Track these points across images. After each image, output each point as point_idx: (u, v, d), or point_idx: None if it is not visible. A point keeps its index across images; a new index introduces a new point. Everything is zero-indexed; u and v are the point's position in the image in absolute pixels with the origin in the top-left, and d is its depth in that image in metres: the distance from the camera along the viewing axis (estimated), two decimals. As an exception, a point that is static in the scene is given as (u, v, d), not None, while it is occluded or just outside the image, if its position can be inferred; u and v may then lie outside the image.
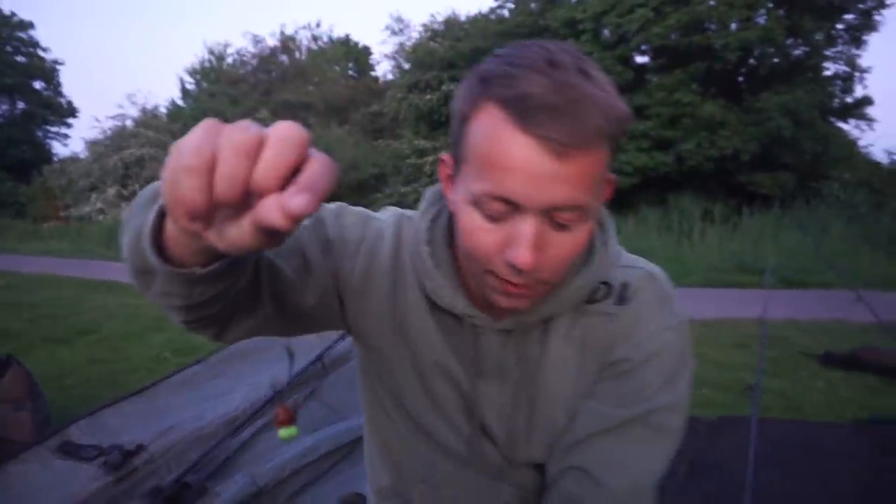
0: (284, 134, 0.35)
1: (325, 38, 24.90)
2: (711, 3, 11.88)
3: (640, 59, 13.54)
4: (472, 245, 0.62)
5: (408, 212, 0.79)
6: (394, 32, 20.90)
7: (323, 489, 1.93)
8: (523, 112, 0.54)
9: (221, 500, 1.67)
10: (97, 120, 35.97)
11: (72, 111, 27.86)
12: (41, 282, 8.04)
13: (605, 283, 0.73)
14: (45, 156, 25.28)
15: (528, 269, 0.58)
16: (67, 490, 1.60)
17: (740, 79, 13.47)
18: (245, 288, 0.57)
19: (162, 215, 0.45)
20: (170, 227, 0.44)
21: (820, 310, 5.35)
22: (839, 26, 13.03)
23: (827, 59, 13.28)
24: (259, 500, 1.77)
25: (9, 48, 25.53)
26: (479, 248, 0.61)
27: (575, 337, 0.73)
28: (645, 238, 9.62)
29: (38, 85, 26.74)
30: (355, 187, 16.05)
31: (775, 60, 12.67)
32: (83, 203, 18.52)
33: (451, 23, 16.91)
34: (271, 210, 0.34)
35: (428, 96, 14.83)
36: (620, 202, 12.00)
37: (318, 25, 33.64)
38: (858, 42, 13.16)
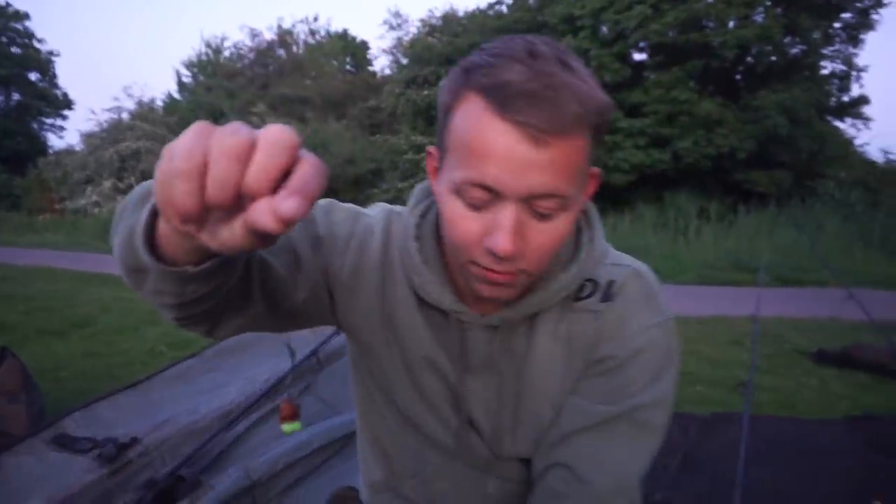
0: (275, 137, 0.35)
1: (323, 33, 24.81)
2: (709, 0, 11.88)
3: (638, 57, 13.54)
4: (455, 233, 0.63)
5: (397, 207, 0.80)
6: (392, 27, 20.92)
7: (316, 483, 1.94)
8: (502, 99, 0.55)
9: (215, 493, 1.67)
10: (93, 112, 35.80)
11: (67, 103, 27.75)
12: (36, 274, 8.01)
13: (591, 280, 0.73)
14: (41, 148, 25.15)
15: (506, 255, 0.58)
16: (62, 482, 1.60)
17: (737, 77, 13.49)
18: (236, 285, 0.57)
19: (154, 214, 0.45)
20: (162, 227, 0.44)
21: (814, 308, 5.37)
22: (837, 25, 13.06)
23: (824, 57, 13.32)
24: (252, 493, 1.78)
25: (4, 39, 25.37)
26: (461, 236, 0.62)
27: (561, 334, 0.73)
28: (641, 235, 9.64)
29: (33, 76, 26.60)
30: (352, 182, 16.01)
31: (773, 59, 12.68)
32: (78, 196, 18.43)
33: (450, 18, 16.87)
34: (263, 214, 0.35)
35: (425, 92, 14.78)
36: (617, 199, 12.02)
37: (315, 19, 33.61)
38: (856, 41, 13.20)
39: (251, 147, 0.35)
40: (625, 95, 12.53)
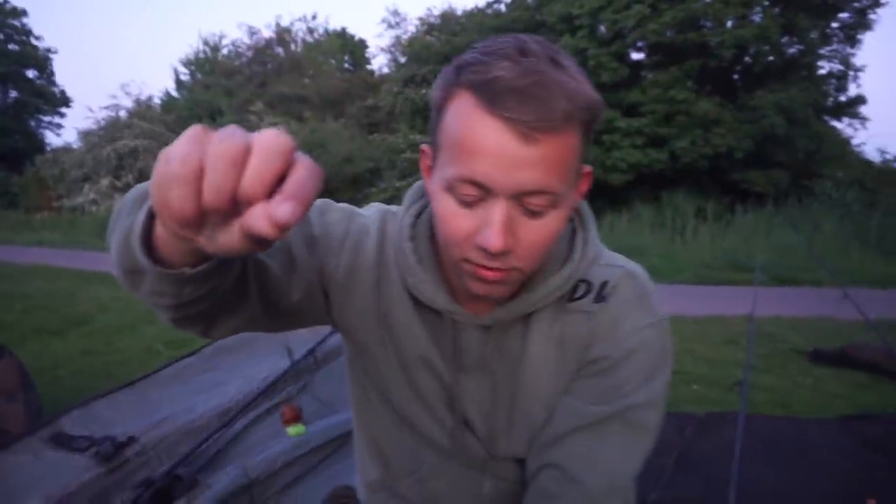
0: (269, 142, 0.35)
1: (321, 31, 24.80)
2: (707, 0, 11.89)
3: (636, 56, 13.53)
4: (446, 231, 0.63)
5: (392, 207, 0.80)
6: (390, 26, 20.90)
7: (314, 482, 1.94)
8: (491, 96, 0.56)
9: (213, 491, 1.68)
10: (91, 110, 35.84)
11: (65, 101, 27.67)
12: (34, 273, 8.00)
13: (584, 281, 0.74)
14: (38, 145, 25.08)
15: (497, 251, 0.59)
16: (59, 481, 1.60)
17: (735, 76, 13.50)
18: (232, 285, 0.58)
19: (151, 216, 0.45)
20: (159, 229, 0.44)
21: (810, 307, 5.38)
22: (834, 25, 13.07)
23: (821, 57, 13.33)
24: (250, 492, 1.78)
25: (1, 36, 25.28)
26: (453, 233, 0.62)
27: (555, 334, 0.74)
28: (638, 235, 9.65)
29: (30, 73, 26.54)
30: (350, 181, 15.99)
31: (770, 58, 12.69)
32: (76, 194, 18.40)
33: (448, 17, 16.89)
34: (259, 219, 0.35)
35: (424, 90, 14.77)
36: (614, 199, 12.03)
37: (313, 18, 33.61)
38: (853, 41, 13.21)
39: (246, 152, 0.35)
40: (622, 95, 12.54)
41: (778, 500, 2.29)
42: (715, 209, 10.48)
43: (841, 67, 13.52)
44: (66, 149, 20.96)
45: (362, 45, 24.79)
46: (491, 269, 0.62)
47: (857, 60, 13.71)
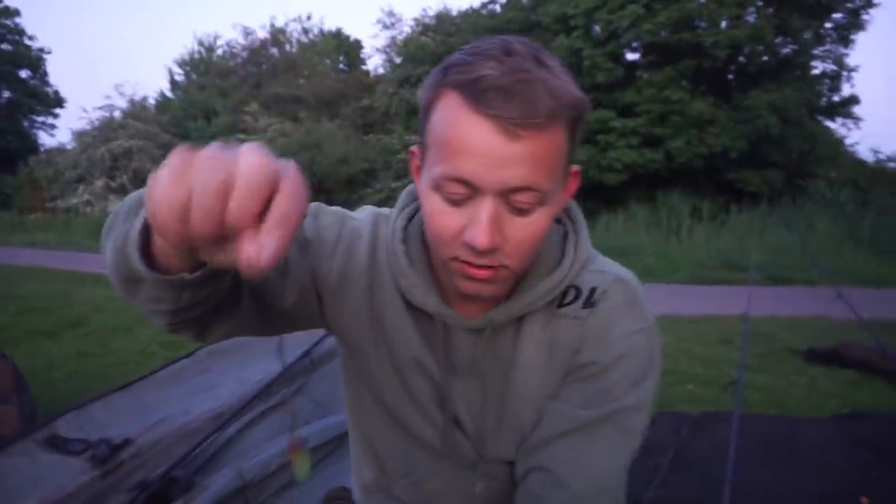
0: (251, 171, 0.35)
1: (316, 31, 24.75)
2: (702, 0, 11.93)
3: (631, 56, 13.57)
4: (434, 229, 0.63)
5: (384, 210, 0.81)
6: (385, 26, 20.84)
7: (309, 484, 1.94)
8: (476, 94, 0.56)
9: (208, 493, 1.67)
10: (85, 110, 35.61)
11: (59, 101, 27.51)
12: (28, 274, 7.96)
13: (574, 286, 0.74)
14: (32, 146, 24.94)
15: (484, 248, 0.59)
16: (55, 483, 1.60)
17: (729, 76, 13.54)
18: (226, 290, 0.58)
19: (148, 224, 0.46)
20: (157, 237, 0.45)
21: (804, 306, 5.41)
22: (827, 25, 13.14)
23: (815, 57, 13.40)
24: (245, 494, 1.78)
25: (-7, 36, 25.16)
26: (441, 232, 0.63)
27: (545, 339, 0.74)
28: (634, 235, 9.68)
29: (24, 74, 26.35)
30: (345, 182, 15.98)
31: (764, 58, 12.74)
32: (70, 195, 18.33)
33: (443, 17, 16.90)
34: (249, 253, 0.36)
35: (419, 91, 14.76)
36: (609, 198, 12.06)
37: (308, 18, 33.59)
38: (846, 41, 13.29)
39: (229, 181, 0.35)
40: (617, 95, 12.57)
41: (772, 499, 2.30)
42: (710, 209, 10.52)
43: (834, 67, 13.61)
44: (60, 149, 20.87)
45: (357, 45, 24.77)
46: (479, 266, 0.62)
47: (851, 61, 13.74)
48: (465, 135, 0.57)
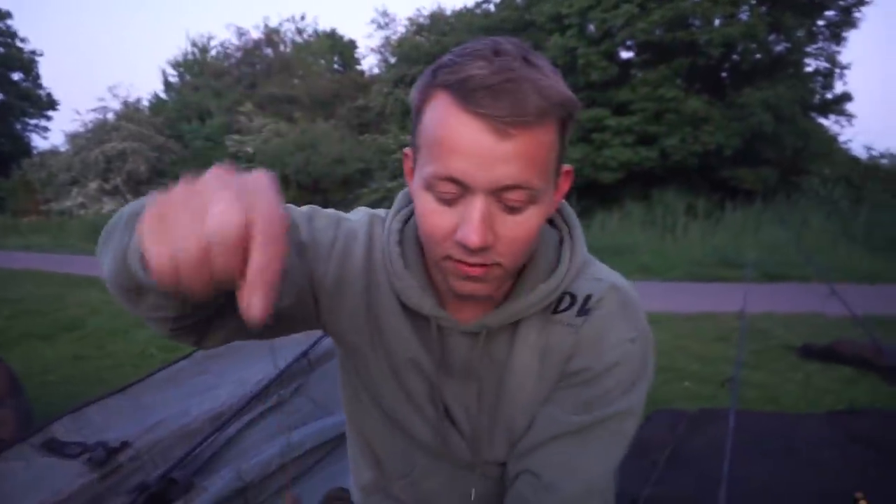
0: (223, 229, 0.36)
1: (310, 31, 24.71)
2: (695, -1, 11.97)
3: (625, 55, 13.59)
4: (427, 229, 0.64)
5: (380, 211, 0.81)
6: (379, 26, 20.86)
7: (309, 484, 1.94)
8: (465, 93, 0.57)
9: (208, 494, 1.67)
10: (78, 112, 35.29)
11: (51, 103, 27.37)
12: (22, 277, 7.93)
13: (569, 293, 0.74)
14: (24, 149, 24.81)
15: (476, 247, 0.59)
16: (52, 487, 1.59)
17: (723, 74, 13.59)
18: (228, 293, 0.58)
19: None
20: None
21: (800, 303, 5.42)
22: (820, 23, 13.19)
23: (808, 55, 13.44)
24: (245, 495, 1.78)
25: (-15, 39, 25.02)
26: (433, 231, 0.63)
27: (539, 345, 0.74)
28: (629, 233, 9.69)
29: (16, 76, 26.19)
30: (341, 182, 15.96)
31: (757, 56, 12.78)
32: (64, 197, 18.25)
33: (437, 17, 16.89)
34: (242, 306, 0.37)
35: (411, 92, 14.75)
36: (605, 197, 12.08)
37: (302, 18, 33.51)
38: (839, 39, 13.34)
39: (205, 244, 0.36)
40: (612, 93, 12.59)
41: (768, 496, 2.31)
42: (705, 206, 10.55)
43: (827, 65, 13.66)
44: (54, 152, 20.78)
45: (352, 45, 24.71)
46: (472, 265, 0.62)
47: (843, 58, 13.85)
48: (454, 134, 0.58)
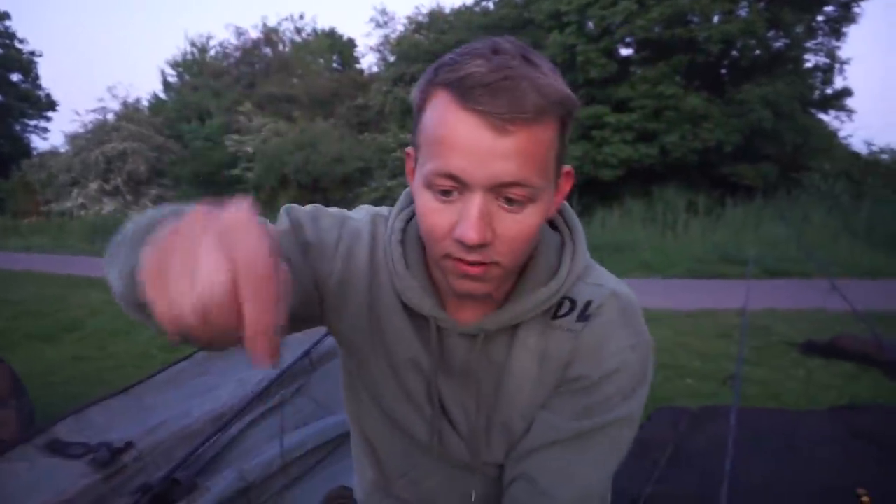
0: (212, 290, 0.36)
1: (309, 31, 24.66)
2: (694, -5, 11.95)
3: (625, 52, 13.59)
4: (426, 226, 0.64)
5: (383, 210, 0.81)
6: (378, 25, 20.83)
7: (311, 483, 1.95)
8: (464, 91, 0.57)
9: (211, 495, 1.68)
10: (77, 113, 35.30)
11: (51, 104, 27.35)
12: (23, 278, 7.94)
13: (569, 298, 0.74)
14: (24, 150, 24.80)
15: (474, 244, 0.59)
16: (56, 488, 1.60)
17: (722, 71, 13.58)
18: None
19: None
20: None
21: (801, 299, 5.42)
22: (819, 18, 13.18)
23: (807, 51, 13.45)
24: (248, 495, 1.78)
25: (-16, 40, 25.00)
26: (432, 229, 0.63)
27: (538, 350, 0.74)
28: (630, 230, 9.69)
29: (15, 77, 26.17)
30: (340, 181, 15.95)
31: (757, 53, 12.78)
32: (64, 198, 18.26)
33: (436, 15, 16.87)
34: (249, 355, 0.37)
35: (412, 91, 14.75)
36: (605, 194, 12.08)
37: (301, 17, 33.47)
38: (838, 34, 13.34)
39: (201, 301, 0.36)
40: (611, 91, 12.59)
41: (770, 492, 2.31)
42: (705, 203, 10.54)
43: (826, 60, 13.66)
44: (53, 153, 20.77)
45: (351, 44, 24.67)
46: (471, 263, 0.62)
47: (843, 53, 13.84)
48: (453, 131, 0.58)
